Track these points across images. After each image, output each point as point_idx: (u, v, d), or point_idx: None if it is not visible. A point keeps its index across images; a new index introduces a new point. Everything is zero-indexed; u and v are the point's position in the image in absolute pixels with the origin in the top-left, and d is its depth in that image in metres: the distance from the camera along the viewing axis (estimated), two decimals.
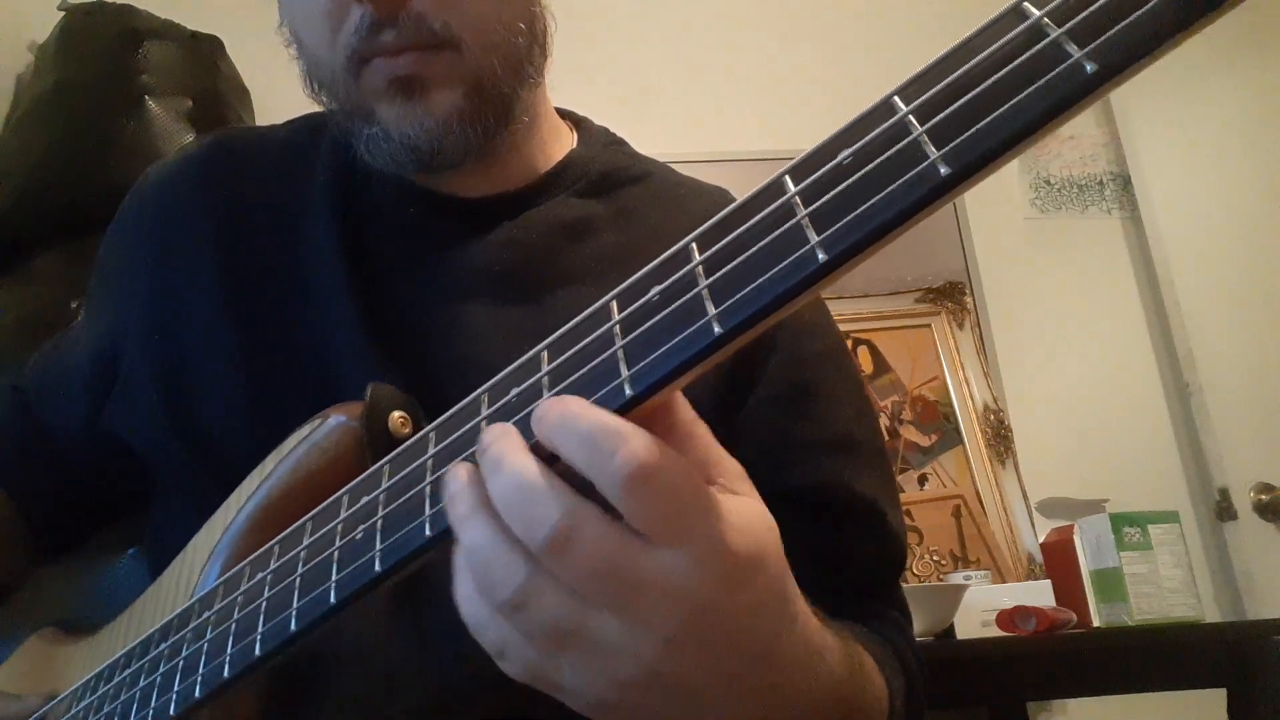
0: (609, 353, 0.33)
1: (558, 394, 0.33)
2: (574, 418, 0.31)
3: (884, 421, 1.80)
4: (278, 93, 1.74)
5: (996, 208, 2.00)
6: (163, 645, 0.47)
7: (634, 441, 0.30)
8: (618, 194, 0.67)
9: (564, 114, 0.73)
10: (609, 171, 0.68)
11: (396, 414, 0.48)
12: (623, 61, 1.97)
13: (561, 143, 0.70)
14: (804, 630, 0.38)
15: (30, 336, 1.33)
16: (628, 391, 0.32)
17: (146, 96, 1.49)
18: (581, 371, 0.33)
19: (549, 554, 0.31)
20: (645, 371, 0.31)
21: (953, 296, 1.90)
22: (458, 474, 0.34)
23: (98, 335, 0.68)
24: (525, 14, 0.61)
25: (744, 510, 0.33)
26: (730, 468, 0.35)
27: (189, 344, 0.61)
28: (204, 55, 1.62)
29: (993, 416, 1.81)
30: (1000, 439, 1.79)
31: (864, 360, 1.84)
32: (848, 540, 0.60)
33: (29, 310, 1.38)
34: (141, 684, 0.47)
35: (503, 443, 0.33)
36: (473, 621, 0.34)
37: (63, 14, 1.60)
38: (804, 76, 2.07)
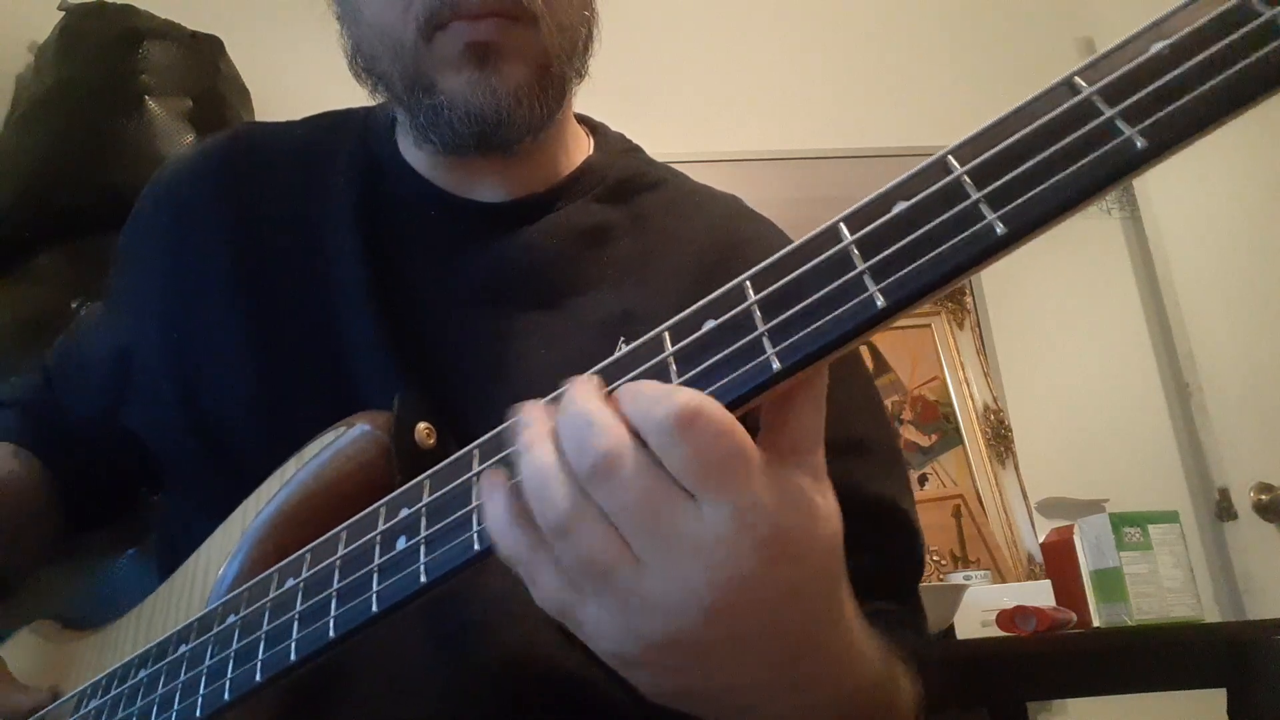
0: (666, 383, 0.34)
1: None
2: (639, 387, 0.33)
3: None
4: (278, 93, 1.75)
5: None
6: (183, 648, 0.47)
7: (682, 394, 0.31)
8: (635, 200, 0.67)
9: (580, 119, 0.73)
10: (626, 178, 0.68)
11: (422, 425, 0.48)
12: (623, 61, 1.97)
13: (579, 148, 0.70)
14: (848, 633, 0.38)
15: (30, 336, 1.33)
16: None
17: (146, 96, 1.49)
18: None
19: (593, 477, 0.32)
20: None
21: (953, 296, 1.90)
22: (530, 409, 0.36)
23: (116, 330, 0.68)
24: (589, 6, 0.63)
25: (806, 492, 0.33)
26: (815, 462, 0.35)
27: (203, 340, 0.62)
28: (204, 55, 1.62)
29: (993, 416, 1.81)
30: (1000, 439, 1.79)
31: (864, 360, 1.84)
32: (865, 542, 0.59)
33: (29, 310, 1.37)
34: (161, 688, 0.47)
35: (578, 385, 0.35)
36: (511, 549, 0.35)
37: (63, 14, 1.59)
38: (805, 77, 2.07)
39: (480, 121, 0.57)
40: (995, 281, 1.94)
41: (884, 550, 0.60)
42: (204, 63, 1.61)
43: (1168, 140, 0.27)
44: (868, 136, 1.99)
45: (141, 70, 1.51)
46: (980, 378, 1.84)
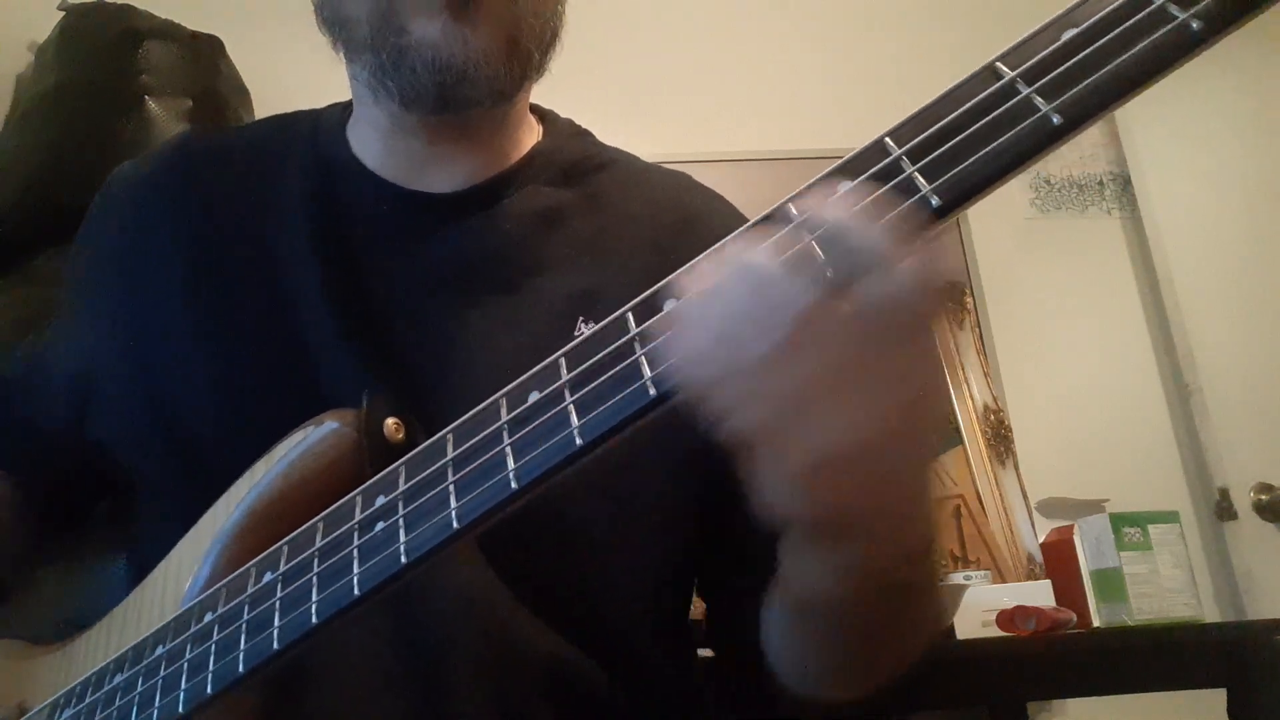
0: (630, 360, 0.35)
1: (577, 399, 0.35)
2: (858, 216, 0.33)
3: None
4: (278, 93, 1.74)
5: (996, 208, 2.00)
6: (160, 650, 0.47)
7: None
8: (586, 181, 0.68)
9: (530, 109, 0.73)
10: (577, 160, 0.69)
11: (391, 420, 0.48)
12: (623, 61, 1.97)
13: (529, 135, 0.70)
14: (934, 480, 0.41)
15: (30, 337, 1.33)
16: (651, 392, 0.34)
17: (146, 96, 1.49)
18: (603, 378, 0.35)
19: (869, 258, 0.32)
20: (667, 374, 0.34)
21: (953, 296, 1.90)
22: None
23: (76, 345, 0.67)
24: (562, 3, 0.64)
25: None
26: None
27: (165, 350, 0.61)
28: (204, 55, 1.62)
29: (993, 416, 1.81)
30: (1000, 439, 1.79)
31: None
32: None
33: (29, 310, 1.37)
34: (140, 688, 0.47)
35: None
36: (714, 373, 0.34)
37: (63, 14, 1.59)
38: (805, 77, 2.08)
39: (445, 71, 0.57)
40: (995, 281, 1.94)
41: None
42: (204, 63, 1.62)
43: (1080, 115, 0.31)
44: (867, 137, 1.98)
45: (141, 70, 1.51)
46: (980, 378, 1.84)
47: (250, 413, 0.58)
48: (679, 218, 0.66)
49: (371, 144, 0.66)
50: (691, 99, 2.02)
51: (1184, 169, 1.96)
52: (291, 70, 1.84)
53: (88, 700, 0.50)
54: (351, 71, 0.65)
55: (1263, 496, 1.75)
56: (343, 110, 0.70)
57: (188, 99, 1.54)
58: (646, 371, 0.34)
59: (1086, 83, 0.31)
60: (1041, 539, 1.62)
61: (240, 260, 0.62)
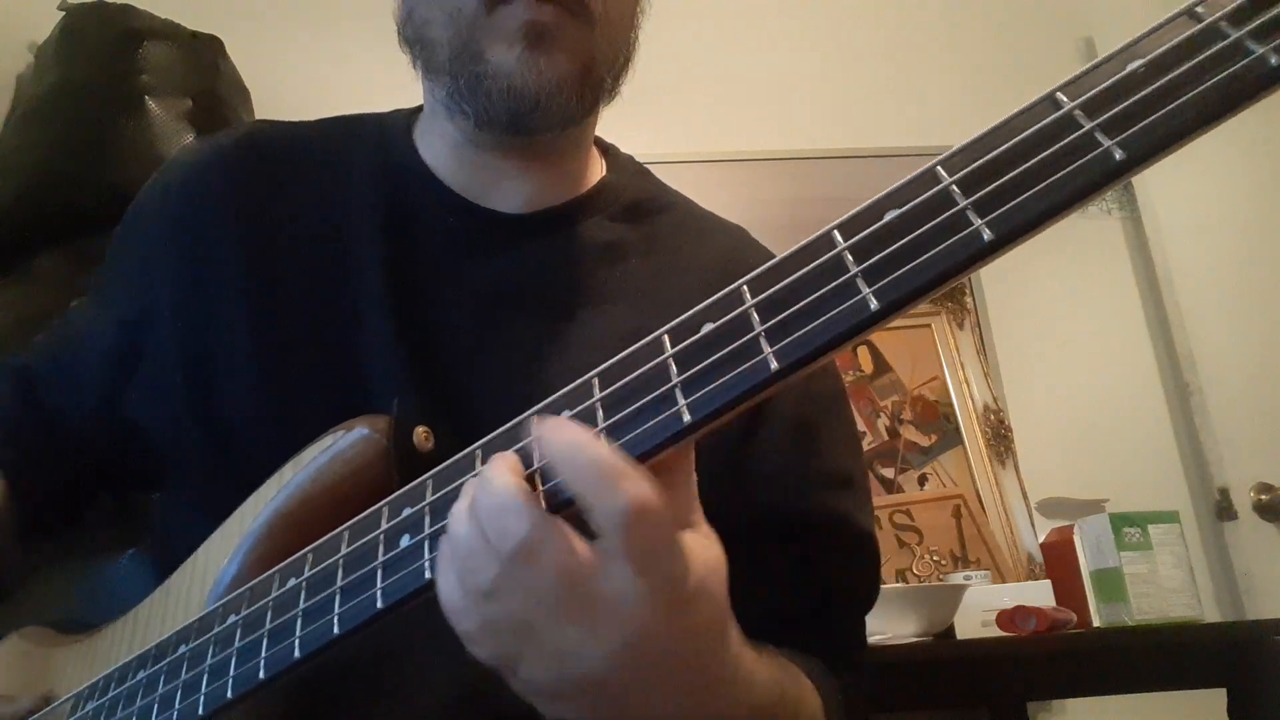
0: (666, 383, 0.35)
1: (611, 424, 0.36)
2: (578, 448, 0.33)
3: (884, 421, 1.80)
4: (278, 93, 1.74)
5: None
6: (183, 649, 0.48)
7: (637, 483, 0.33)
8: (647, 221, 0.69)
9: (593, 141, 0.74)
10: (640, 199, 0.70)
11: (420, 429, 0.49)
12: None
13: (595, 167, 0.72)
14: (735, 656, 0.41)
15: (30, 336, 1.33)
16: (686, 418, 0.34)
17: (146, 96, 1.49)
18: (640, 401, 0.36)
19: (515, 562, 0.34)
20: (703, 401, 0.34)
21: (953, 296, 1.90)
22: (469, 481, 0.38)
23: (117, 321, 0.67)
24: (635, 31, 0.66)
25: (697, 547, 0.37)
26: (697, 504, 0.39)
27: (215, 336, 0.61)
28: (204, 55, 1.62)
29: (993, 416, 1.81)
30: (1000, 439, 1.79)
31: (864, 360, 1.84)
32: (840, 570, 0.63)
33: (29, 310, 1.37)
34: (162, 688, 0.47)
35: (495, 462, 0.37)
36: (450, 605, 0.37)
37: (63, 14, 1.59)
38: (805, 77, 2.07)
39: (519, 99, 0.59)
40: (995, 281, 1.94)
41: (855, 579, 0.65)
42: (204, 63, 1.61)
43: (1145, 151, 0.29)
44: (868, 136, 1.99)
45: (141, 70, 1.51)
46: (980, 378, 1.84)
47: (292, 407, 0.58)
48: (733, 273, 0.67)
49: (442, 154, 0.67)
50: (693, 99, 2.01)
51: (1184, 169, 1.96)
52: (291, 70, 1.84)
53: (110, 695, 0.51)
54: (428, 88, 0.67)
55: (1263, 496, 1.75)
56: (407, 116, 0.71)
57: (188, 99, 1.53)
58: (680, 399, 0.34)
59: (1153, 117, 0.29)
60: (1041, 539, 1.62)
61: (302, 254, 0.63)
